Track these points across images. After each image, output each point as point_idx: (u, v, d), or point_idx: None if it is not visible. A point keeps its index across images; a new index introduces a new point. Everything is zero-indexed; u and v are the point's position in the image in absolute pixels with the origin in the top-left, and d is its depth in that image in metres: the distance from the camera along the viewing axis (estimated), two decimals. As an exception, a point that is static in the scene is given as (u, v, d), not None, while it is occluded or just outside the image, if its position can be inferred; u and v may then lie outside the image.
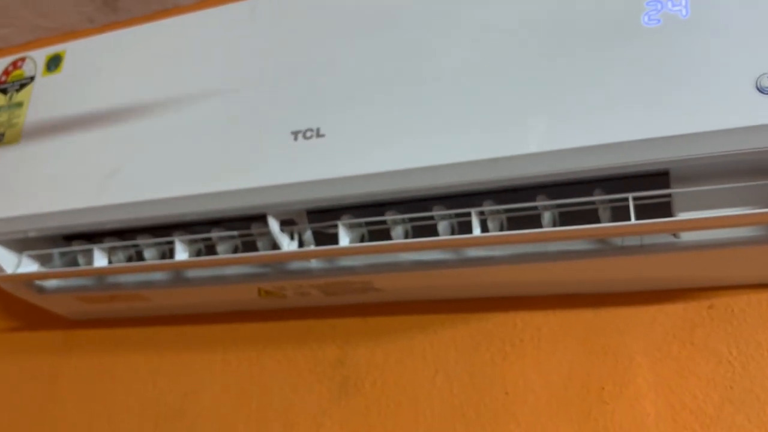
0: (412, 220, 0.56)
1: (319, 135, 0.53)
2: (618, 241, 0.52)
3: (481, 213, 0.53)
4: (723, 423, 0.52)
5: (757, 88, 0.42)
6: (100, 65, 0.64)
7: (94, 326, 0.77)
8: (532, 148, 0.47)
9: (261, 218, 0.57)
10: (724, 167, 0.46)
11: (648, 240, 0.51)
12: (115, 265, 0.64)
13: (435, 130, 0.50)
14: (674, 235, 0.50)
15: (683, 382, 0.54)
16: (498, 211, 0.53)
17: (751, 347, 0.53)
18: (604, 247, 0.52)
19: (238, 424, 0.67)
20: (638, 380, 0.55)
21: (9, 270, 0.65)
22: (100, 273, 0.65)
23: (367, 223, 0.57)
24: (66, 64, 0.66)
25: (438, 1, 0.54)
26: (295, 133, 0.54)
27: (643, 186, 0.48)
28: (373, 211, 0.56)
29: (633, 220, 0.47)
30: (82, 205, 0.60)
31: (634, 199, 0.48)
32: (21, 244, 0.66)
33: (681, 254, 0.50)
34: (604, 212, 0.51)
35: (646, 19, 0.47)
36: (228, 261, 0.60)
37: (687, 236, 0.50)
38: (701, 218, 0.46)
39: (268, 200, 0.54)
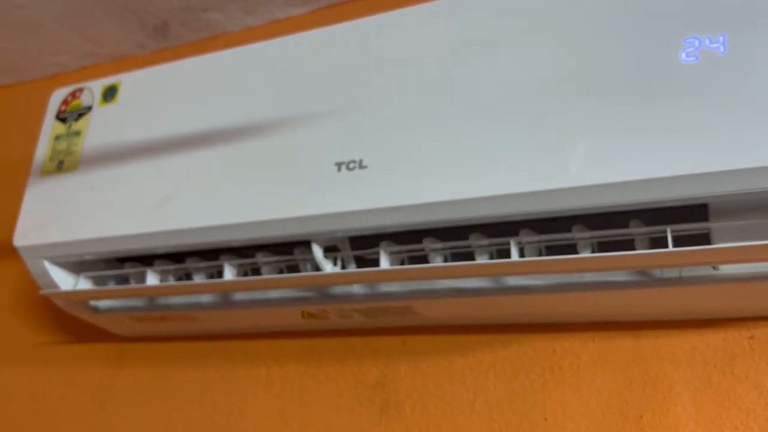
0: (451, 248, 0.57)
1: (362, 166, 0.55)
2: (657, 272, 0.52)
3: (520, 242, 0.54)
4: (764, 455, 0.52)
5: (796, 126, 0.43)
6: (154, 96, 0.67)
7: (147, 340, 0.80)
8: (571, 182, 0.48)
9: (304, 244, 0.59)
10: (764, 202, 0.46)
11: (687, 272, 0.51)
12: (165, 284, 0.66)
13: (475, 162, 0.52)
14: (714, 268, 0.50)
15: (723, 412, 0.54)
16: (536, 241, 0.54)
17: (793, 379, 0.53)
18: (643, 279, 0.52)
19: (281, 443, 0.69)
20: (677, 409, 0.55)
21: (66, 289, 0.68)
22: (152, 293, 0.68)
23: (408, 251, 0.58)
24: (121, 94, 0.69)
25: (480, 35, 0.55)
26: (339, 164, 0.55)
27: (681, 218, 0.49)
28: (413, 238, 0.57)
29: (671, 248, 0.47)
30: (136, 231, 0.63)
31: (673, 231, 0.48)
32: (78, 266, 0.69)
33: (720, 286, 0.50)
34: (641, 243, 0.52)
35: (683, 56, 0.47)
36: (273, 281, 0.61)
37: (726, 269, 0.50)
38: (740, 247, 0.45)
39: (313, 228, 0.56)
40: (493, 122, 0.52)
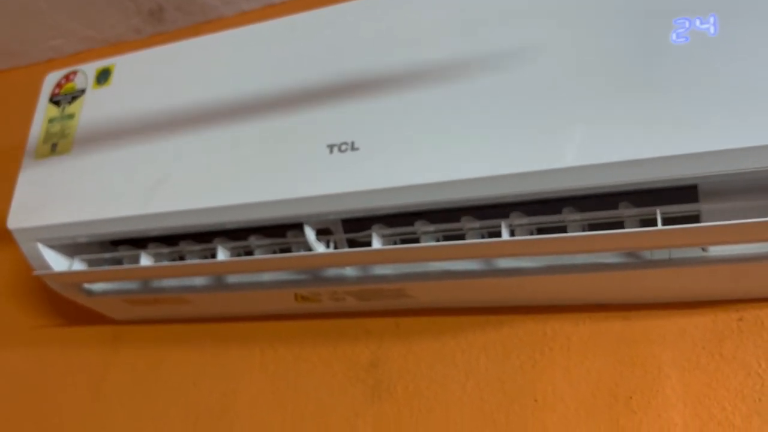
0: (443, 230, 0.57)
1: (353, 148, 0.55)
2: (647, 254, 0.52)
3: (511, 224, 0.54)
4: (751, 435, 0.52)
5: (786, 107, 0.43)
6: (147, 79, 0.67)
7: (142, 323, 0.80)
8: (564, 162, 0.48)
9: (297, 227, 0.59)
10: (753, 183, 0.46)
11: (677, 254, 0.52)
12: (158, 264, 0.66)
13: (466, 144, 0.52)
14: (703, 249, 0.51)
15: (712, 393, 0.54)
16: (527, 224, 0.55)
17: (781, 360, 0.53)
18: (634, 261, 0.53)
19: (274, 424, 0.69)
20: (666, 391, 0.55)
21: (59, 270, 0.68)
22: (145, 274, 0.68)
23: (400, 233, 0.58)
24: (115, 77, 0.69)
25: (473, 17, 0.55)
26: (331, 147, 0.56)
27: (671, 199, 0.49)
28: (405, 221, 0.57)
29: (660, 226, 0.47)
30: (129, 213, 0.63)
31: (663, 212, 0.49)
32: (72, 249, 0.69)
33: (710, 268, 0.51)
34: (631, 225, 0.52)
35: (674, 37, 0.47)
36: (265, 261, 0.61)
37: (715, 250, 0.50)
38: (729, 225, 0.45)
39: (305, 210, 0.57)
40: (485, 104, 0.52)
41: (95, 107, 0.69)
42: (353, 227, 0.59)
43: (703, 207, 0.48)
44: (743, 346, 0.54)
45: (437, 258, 0.57)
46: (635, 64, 0.48)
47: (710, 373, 0.55)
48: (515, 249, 0.53)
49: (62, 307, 0.84)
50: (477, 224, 0.55)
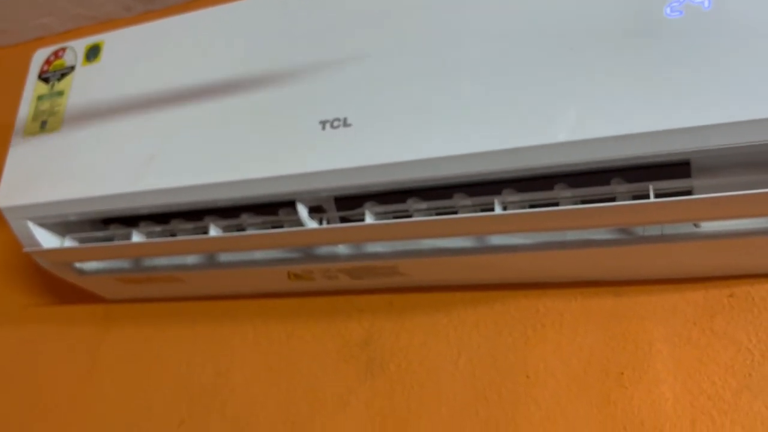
0: (435, 208, 0.57)
1: (346, 124, 0.54)
2: (639, 230, 0.52)
3: (503, 201, 0.54)
4: (741, 409, 0.52)
5: (779, 80, 0.43)
6: (137, 55, 0.67)
7: (134, 301, 0.80)
8: (558, 138, 0.48)
9: (289, 204, 0.59)
10: (746, 157, 0.46)
11: (669, 230, 0.52)
12: (149, 240, 0.65)
13: (460, 119, 0.52)
14: (695, 225, 0.51)
15: (702, 368, 0.55)
16: (519, 201, 0.54)
17: (771, 335, 0.53)
18: (626, 237, 0.53)
19: (267, 402, 0.69)
20: (657, 366, 0.56)
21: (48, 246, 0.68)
22: (135, 252, 0.68)
23: (392, 211, 0.58)
24: (104, 53, 0.68)
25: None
26: (323, 123, 0.55)
27: (663, 176, 0.49)
28: (397, 199, 0.57)
29: (652, 198, 0.47)
30: (120, 190, 0.63)
31: (655, 188, 0.49)
32: (63, 228, 0.69)
33: (702, 243, 0.51)
34: (623, 201, 0.52)
35: (668, 10, 0.47)
36: (257, 237, 0.61)
37: (707, 226, 0.50)
38: (722, 197, 0.45)
39: (297, 187, 0.56)
40: (478, 79, 0.52)
41: (85, 84, 0.68)
42: (346, 205, 0.59)
43: (695, 183, 0.48)
44: (734, 321, 0.55)
45: (430, 234, 0.57)
46: (629, 38, 0.48)
47: (701, 348, 0.55)
48: (507, 224, 0.53)
49: (53, 286, 0.84)
50: (469, 201, 0.55)
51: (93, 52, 0.69)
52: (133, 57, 0.67)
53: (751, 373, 0.53)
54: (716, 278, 0.56)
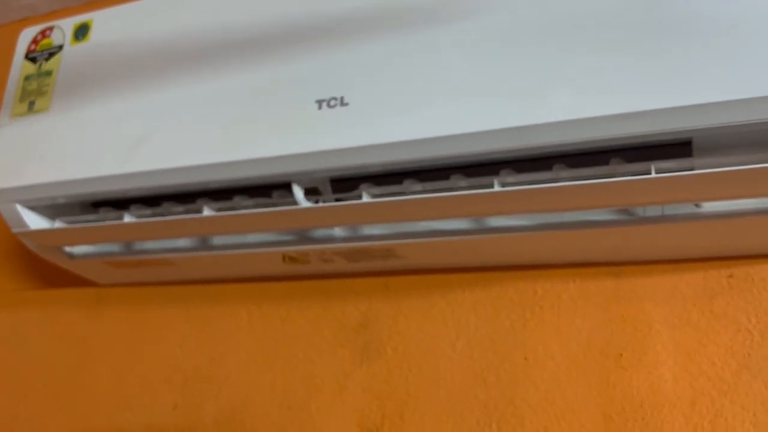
0: (431, 189, 0.56)
1: (343, 104, 0.53)
2: (640, 211, 0.52)
3: (502, 182, 0.53)
4: (740, 390, 0.52)
5: (783, 57, 0.42)
6: (127, 34, 0.65)
7: (127, 285, 0.79)
8: (556, 116, 0.47)
9: (284, 187, 0.58)
10: (749, 136, 0.46)
11: (669, 210, 0.51)
12: (141, 220, 0.63)
13: (458, 98, 0.51)
14: (696, 205, 0.50)
15: (702, 349, 0.54)
16: (520, 182, 0.54)
17: (771, 316, 0.53)
18: (626, 218, 0.52)
19: (263, 386, 0.69)
20: (657, 347, 0.56)
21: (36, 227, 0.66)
22: (125, 234, 0.66)
23: (388, 193, 0.57)
24: (93, 33, 0.67)
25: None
26: (320, 102, 0.54)
27: (664, 156, 0.48)
28: (394, 181, 0.57)
29: (654, 174, 0.47)
30: (110, 172, 0.61)
31: (656, 168, 0.48)
32: (52, 211, 0.67)
33: (702, 224, 0.50)
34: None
35: (671, -13, 0.46)
36: (252, 217, 0.59)
37: (708, 206, 0.50)
38: (725, 172, 0.44)
39: (293, 168, 0.55)
40: (476, 58, 0.51)
41: (74, 64, 0.66)
42: (342, 187, 0.58)
43: (696, 162, 0.48)
44: (733, 302, 0.55)
45: (427, 214, 0.56)
46: (628, 16, 0.47)
47: (701, 329, 0.55)
48: (505, 202, 0.52)
49: (44, 270, 0.83)
50: (467, 182, 0.55)
51: (82, 32, 0.67)
52: (123, 36, 0.65)
53: (750, 353, 0.53)
54: (716, 259, 0.56)
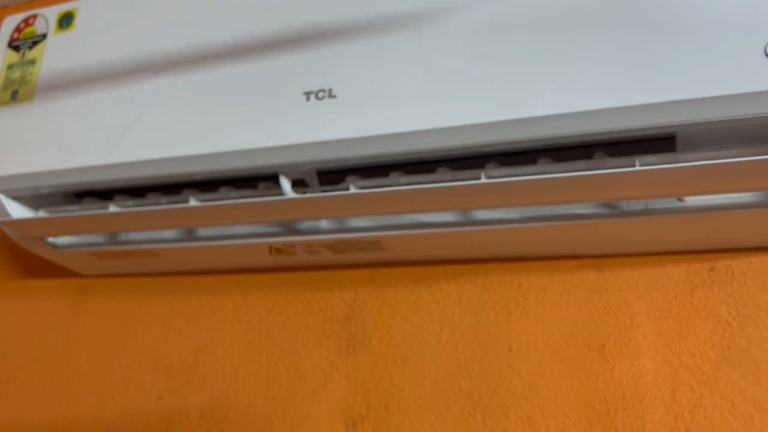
0: (418, 182, 0.57)
1: (331, 96, 0.53)
2: (624, 204, 0.53)
3: (489, 176, 0.53)
4: (719, 380, 0.53)
5: (766, 54, 0.43)
6: (113, 23, 0.65)
7: (111, 275, 0.79)
8: (541, 111, 0.48)
9: (271, 179, 0.58)
10: (731, 132, 0.46)
11: (653, 204, 0.52)
12: (125, 209, 0.63)
13: (445, 91, 0.51)
14: (679, 200, 0.51)
15: (682, 341, 0.55)
16: (504, 174, 0.54)
17: (750, 308, 0.54)
18: (610, 211, 0.53)
19: (248, 377, 0.69)
20: (638, 339, 0.56)
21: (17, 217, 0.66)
22: (112, 226, 0.66)
23: (375, 185, 0.57)
24: (78, 21, 0.66)
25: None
26: (308, 94, 0.54)
27: (648, 151, 0.49)
28: (381, 173, 0.57)
29: (638, 166, 0.47)
30: (95, 162, 0.61)
31: (641, 162, 0.49)
32: (36, 201, 0.67)
33: (685, 217, 0.51)
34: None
35: (655, -17, 0.47)
36: (238, 207, 0.59)
37: (691, 200, 0.51)
38: (709, 165, 0.45)
39: (280, 160, 0.55)
40: (463, 52, 0.51)
41: (58, 53, 0.66)
42: (329, 180, 0.58)
43: (680, 157, 0.48)
44: (714, 295, 0.55)
45: (413, 206, 0.56)
46: (612, 11, 0.48)
47: (681, 321, 0.56)
48: (491, 194, 0.52)
49: (26, 261, 0.82)
50: (453, 175, 0.55)
51: (66, 20, 0.67)
52: (108, 25, 0.65)
53: (729, 345, 0.54)
54: (697, 252, 0.57)
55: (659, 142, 0.49)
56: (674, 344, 0.55)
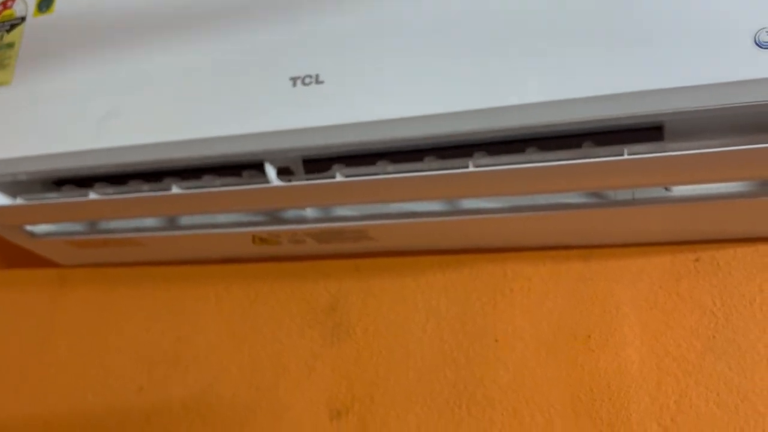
0: (405, 171, 0.56)
1: (318, 81, 0.53)
2: (611, 194, 0.53)
3: (476, 164, 0.53)
4: (704, 370, 0.54)
5: (756, 43, 0.43)
6: (94, 6, 0.63)
7: (92, 265, 0.77)
8: (528, 98, 0.48)
9: (255, 167, 0.57)
10: (719, 121, 0.46)
11: (640, 194, 0.52)
12: (106, 196, 0.61)
13: (433, 79, 0.51)
14: (666, 189, 0.51)
15: (668, 331, 0.55)
16: (492, 163, 0.54)
17: (735, 299, 0.54)
18: (597, 201, 0.53)
19: (231, 367, 0.68)
20: (624, 329, 0.56)
21: (-2, 212, 0.64)
22: (92, 213, 0.65)
23: (362, 174, 0.57)
24: (58, 4, 0.65)
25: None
26: (294, 79, 0.53)
27: (636, 141, 0.49)
28: (368, 162, 0.56)
29: (626, 155, 0.47)
30: (74, 148, 0.59)
31: (629, 152, 0.49)
32: (14, 189, 0.65)
33: (671, 207, 0.51)
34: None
35: (643, -29, 0.47)
36: (221, 195, 0.58)
37: (678, 190, 0.51)
38: (696, 154, 0.46)
39: (266, 146, 0.54)
40: (451, 40, 0.51)
41: (37, 36, 0.64)
42: (315, 168, 0.57)
43: (668, 146, 0.48)
44: (699, 285, 0.56)
45: (400, 194, 0.56)
46: (602, -1, 0.47)
47: (667, 311, 0.56)
48: (478, 183, 0.52)
49: (4, 250, 0.81)
50: (440, 164, 0.55)
51: (46, 3, 0.65)
52: (89, 7, 0.63)
53: (714, 335, 0.54)
54: (683, 243, 0.57)
55: (647, 132, 0.49)
56: (660, 334, 0.55)
